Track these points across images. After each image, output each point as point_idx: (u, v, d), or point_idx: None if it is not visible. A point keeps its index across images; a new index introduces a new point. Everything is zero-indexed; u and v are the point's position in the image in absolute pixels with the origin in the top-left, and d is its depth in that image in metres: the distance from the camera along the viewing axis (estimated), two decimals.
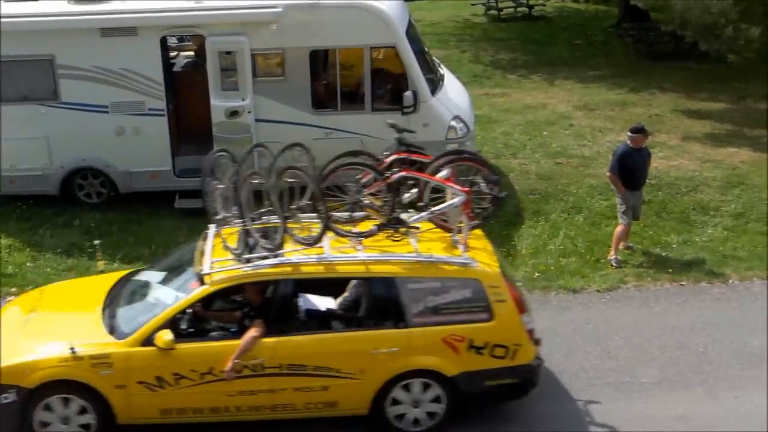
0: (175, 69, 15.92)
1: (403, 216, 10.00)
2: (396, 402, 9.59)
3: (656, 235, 14.19)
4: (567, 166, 16.66)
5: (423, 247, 9.75)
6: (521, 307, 9.70)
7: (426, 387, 9.56)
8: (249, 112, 14.37)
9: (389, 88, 14.85)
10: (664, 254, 13.69)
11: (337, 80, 14.56)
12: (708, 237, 14.17)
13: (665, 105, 20.07)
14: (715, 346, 11.42)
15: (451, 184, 9.96)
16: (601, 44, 25.58)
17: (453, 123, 14.80)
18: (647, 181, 14.03)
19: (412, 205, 10.27)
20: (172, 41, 16.38)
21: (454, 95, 15.56)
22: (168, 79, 14.72)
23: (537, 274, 13.09)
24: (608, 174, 13.49)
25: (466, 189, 9.88)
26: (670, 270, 13.21)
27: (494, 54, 24.55)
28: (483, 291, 9.49)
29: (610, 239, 13.59)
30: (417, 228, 10.03)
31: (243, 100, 14.35)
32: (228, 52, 14.25)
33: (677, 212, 14.91)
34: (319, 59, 14.77)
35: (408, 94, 14.36)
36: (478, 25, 27.95)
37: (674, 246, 13.89)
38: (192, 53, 16.55)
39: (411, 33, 15.07)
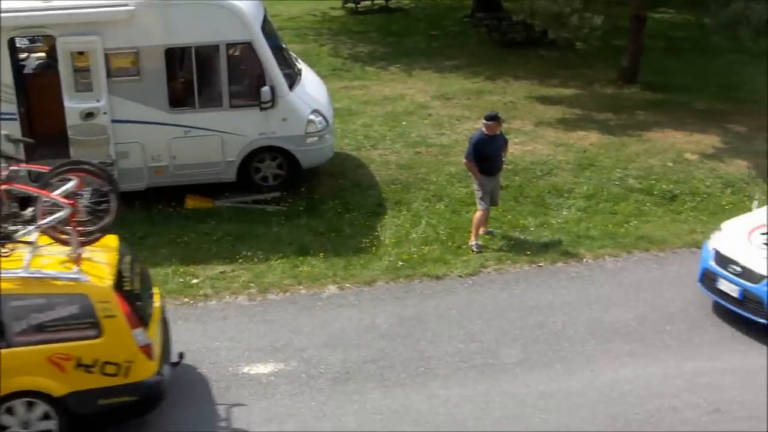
0: (27, 71, 15.52)
1: (14, 228, 9.55)
2: (3, 427, 9.24)
3: (514, 218, 14.61)
4: (426, 155, 16.96)
5: (36, 263, 9.29)
6: (134, 322, 9.32)
7: (30, 406, 9.22)
8: (105, 113, 14.14)
9: (247, 84, 14.85)
10: (522, 237, 14.11)
11: (194, 78, 14.47)
12: (563, 219, 14.67)
13: (519, 92, 20.61)
14: (572, 324, 11.88)
15: (53, 196, 9.49)
16: (457, 35, 26.03)
17: (312, 117, 14.92)
18: (504, 166, 14.45)
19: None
20: (23, 42, 15.95)
21: (312, 89, 15.67)
22: (19, 81, 14.33)
23: (401, 262, 13.32)
24: (464, 161, 13.85)
25: (71, 201, 9.46)
26: (528, 252, 13.64)
27: (353, 47, 24.71)
28: (91, 307, 9.14)
29: (470, 225, 13.91)
30: (32, 242, 9.51)
31: (98, 101, 14.10)
32: (80, 53, 13.98)
33: (533, 196, 15.39)
34: (175, 57, 14.61)
35: (265, 89, 14.40)
36: (336, 19, 28.06)
37: (532, 229, 14.34)
38: (44, 54, 16.14)
39: (266, 28, 15.10)
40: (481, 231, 13.88)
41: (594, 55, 23.43)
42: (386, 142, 17.54)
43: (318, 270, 13.14)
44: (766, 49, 22.28)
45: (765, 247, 11.69)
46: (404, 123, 18.56)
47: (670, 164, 16.58)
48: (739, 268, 11.67)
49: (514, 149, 16.23)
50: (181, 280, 12.88)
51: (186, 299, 12.46)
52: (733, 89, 20.90)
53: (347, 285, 12.80)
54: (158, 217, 14.52)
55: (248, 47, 14.53)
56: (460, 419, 10.10)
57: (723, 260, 11.92)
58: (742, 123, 18.66)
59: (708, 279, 12.14)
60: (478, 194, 13.72)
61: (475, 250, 13.60)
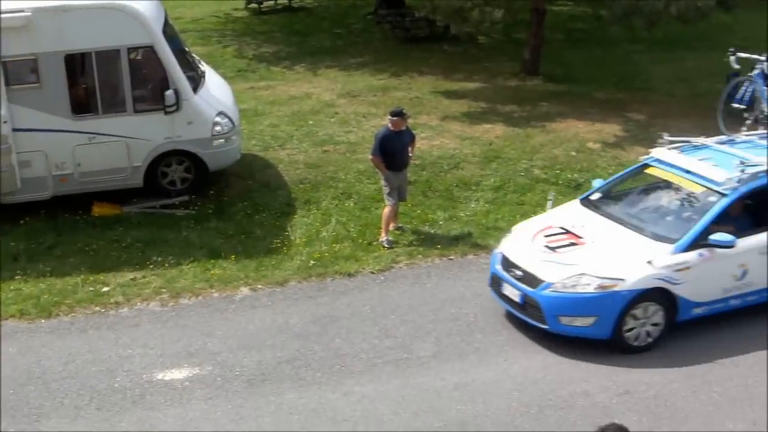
0: None
1: None
2: None
3: (423, 213, 14.76)
4: (334, 154, 17.02)
5: None
6: None
7: None
8: (5, 122, 13.83)
9: (150, 88, 14.69)
10: (432, 231, 14.26)
11: (96, 84, 14.27)
12: (471, 211, 14.87)
13: (424, 87, 20.80)
14: (484, 315, 12.05)
15: None
16: (361, 32, 26.15)
17: (217, 119, 14.85)
18: (412, 162, 14.59)
19: None
20: None
21: (216, 91, 15.59)
22: None
23: (312, 261, 13.34)
24: (371, 157, 13.96)
25: None
26: (439, 246, 13.79)
27: (257, 47, 24.62)
28: None
29: (380, 222, 14.00)
30: None
31: None
32: None
33: (442, 190, 15.56)
34: (76, 63, 14.37)
35: (169, 93, 14.28)
36: (239, 20, 27.92)
37: (441, 222, 14.50)
38: None
39: (168, 31, 14.97)
40: (391, 227, 13.99)
41: (496, 49, 23.78)
42: (294, 142, 17.54)
43: (230, 272, 13.09)
44: (660, 39, 23.00)
45: (546, 250, 11.62)
46: (311, 122, 18.59)
47: (573, 153, 16.95)
48: (520, 272, 11.49)
49: (421, 144, 16.39)
50: (91, 288, 12.70)
51: (97, 308, 12.28)
52: (631, 79, 21.46)
53: (259, 286, 12.78)
54: (65, 225, 14.27)
55: (150, 51, 14.39)
56: (377, 415, 10.17)
57: (507, 264, 11.77)
58: (641, 111, 19.19)
59: (495, 283, 11.96)
60: (386, 190, 13.83)
61: (385, 246, 13.70)
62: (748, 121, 13.16)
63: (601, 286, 11.00)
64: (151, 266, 13.22)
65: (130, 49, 14.33)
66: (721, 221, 11.51)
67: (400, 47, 24.29)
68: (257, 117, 18.80)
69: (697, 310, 11.44)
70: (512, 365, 10.99)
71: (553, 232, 11.96)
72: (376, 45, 24.70)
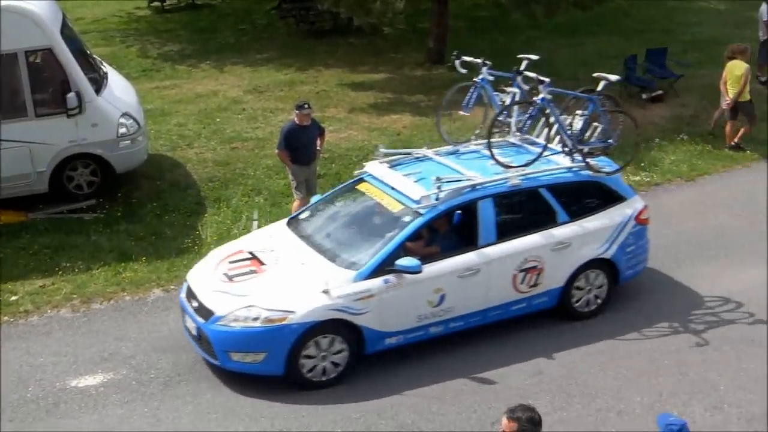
0: None
1: None
2: None
3: None
4: (243, 150, 16.96)
5: None
6: None
7: None
8: None
9: (51, 91, 14.43)
10: None
11: None
12: None
13: (331, 80, 20.83)
14: None
15: None
16: (266, 27, 26.02)
17: (122, 120, 14.69)
18: (321, 155, 14.63)
19: None
20: None
21: (120, 92, 15.41)
22: None
23: None
24: (276, 151, 13.98)
25: None
26: None
27: (161, 46, 24.32)
28: None
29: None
30: None
31: None
32: None
33: None
34: None
35: (71, 95, 14.07)
36: (142, 19, 27.50)
37: None
38: None
39: (67, 32, 14.75)
40: None
41: (402, 39, 23.90)
42: (201, 140, 17.43)
43: (141, 275, 12.99)
44: (561, 25, 23.41)
45: (224, 278, 10.80)
46: (218, 119, 18.49)
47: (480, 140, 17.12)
48: (196, 303, 10.66)
49: (329, 137, 16.37)
50: None
51: (6, 318, 12.06)
52: (534, 64, 21.67)
53: (172, 287, 12.67)
54: None
55: (49, 53, 14.13)
56: (296, 409, 10.22)
57: (189, 293, 10.96)
58: None
59: (182, 315, 11.16)
60: (293, 184, 13.88)
61: None
62: (477, 131, 12.94)
63: (268, 320, 10.12)
64: (61, 273, 13.03)
65: (28, 52, 14.05)
66: (430, 241, 11.18)
67: (305, 41, 24.25)
68: (164, 117, 18.63)
69: (391, 340, 10.67)
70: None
71: (238, 258, 11.14)
72: (281, 40, 24.62)
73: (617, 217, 11.85)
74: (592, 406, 10.17)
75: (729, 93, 17.21)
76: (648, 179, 16.25)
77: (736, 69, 17.19)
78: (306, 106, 13.82)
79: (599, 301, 11.93)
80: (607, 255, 11.75)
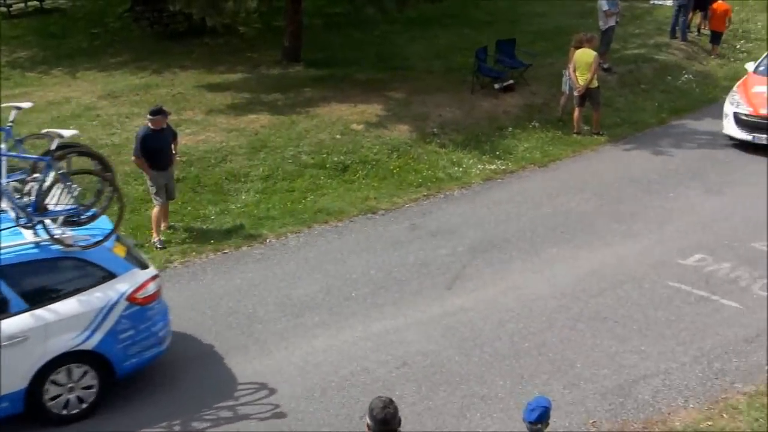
0: None
1: None
2: None
3: (195, 209, 14.74)
4: None
5: None
6: None
7: None
8: None
9: None
10: (204, 227, 14.27)
11: None
12: (242, 203, 14.99)
13: (187, 82, 20.63)
14: (263, 305, 12.20)
15: None
16: (119, 30, 25.59)
17: None
18: (178, 158, 14.50)
19: None
20: None
21: None
22: None
23: None
24: (133, 158, 13.79)
25: None
26: (213, 241, 13.84)
27: (10, 53, 23.65)
28: None
29: (151, 223, 13.88)
30: None
31: None
32: None
33: (211, 184, 15.55)
34: None
35: None
36: None
37: (213, 217, 14.53)
38: None
39: None
40: (163, 226, 13.90)
41: (258, 38, 23.85)
42: None
43: None
44: (415, 18, 23.77)
45: None
46: (72, 127, 18.00)
47: (338, 136, 17.30)
48: None
49: (186, 140, 16.32)
50: None
51: None
52: (390, 58, 22.08)
53: None
54: None
55: None
56: None
57: None
58: (401, 89, 19.79)
59: None
60: (153, 190, 13.73)
61: (158, 246, 13.60)
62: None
63: None
64: None
65: None
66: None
67: (160, 43, 23.95)
68: (15, 126, 17.99)
69: None
70: (294, 352, 11.15)
71: None
72: (135, 43, 24.25)
73: (98, 299, 9.87)
74: (457, 393, 10.40)
75: (579, 80, 17.83)
76: (503, 167, 16.73)
77: (585, 56, 17.82)
78: (162, 110, 13.66)
79: (84, 404, 9.98)
80: (88, 346, 9.80)
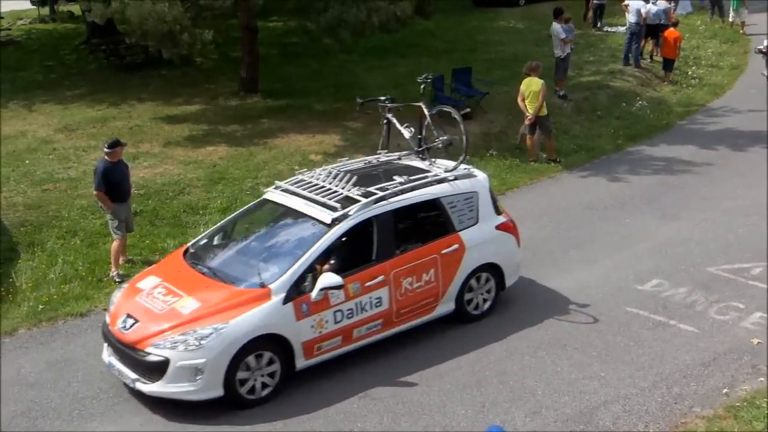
0: None
1: None
2: None
3: (153, 242, 14.67)
4: (55, 191, 16.54)
5: None
6: None
7: None
8: None
9: None
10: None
11: None
12: (201, 233, 14.87)
13: (145, 114, 20.60)
14: None
15: None
16: (75, 63, 25.55)
17: None
18: (134, 191, 14.44)
19: None
20: None
21: None
22: None
23: (41, 306, 12.90)
24: (95, 192, 13.70)
25: None
26: None
27: None
28: None
29: (109, 257, 13.79)
30: None
31: None
32: None
33: (169, 217, 15.51)
34: None
35: None
36: None
37: (171, 250, 14.35)
38: None
39: None
40: (121, 260, 13.82)
41: (215, 69, 23.92)
42: (11, 184, 16.87)
43: None
44: (373, 48, 23.90)
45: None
46: (28, 161, 17.98)
47: (296, 167, 17.17)
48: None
49: (144, 173, 16.29)
50: None
51: None
52: (348, 88, 22.16)
53: None
54: None
55: None
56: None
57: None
58: (358, 119, 19.84)
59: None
60: (113, 224, 13.64)
61: (117, 280, 13.48)
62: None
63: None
64: None
65: None
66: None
67: (117, 75, 23.93)
68: None
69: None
70: None
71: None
72: (92, 75, 24.20)
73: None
74: (419, 423, 10.38)
75: (529, 109, 18.02)
76: None
77: (533, 85, 18.04)
78: (119, 142, 13.61)
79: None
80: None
